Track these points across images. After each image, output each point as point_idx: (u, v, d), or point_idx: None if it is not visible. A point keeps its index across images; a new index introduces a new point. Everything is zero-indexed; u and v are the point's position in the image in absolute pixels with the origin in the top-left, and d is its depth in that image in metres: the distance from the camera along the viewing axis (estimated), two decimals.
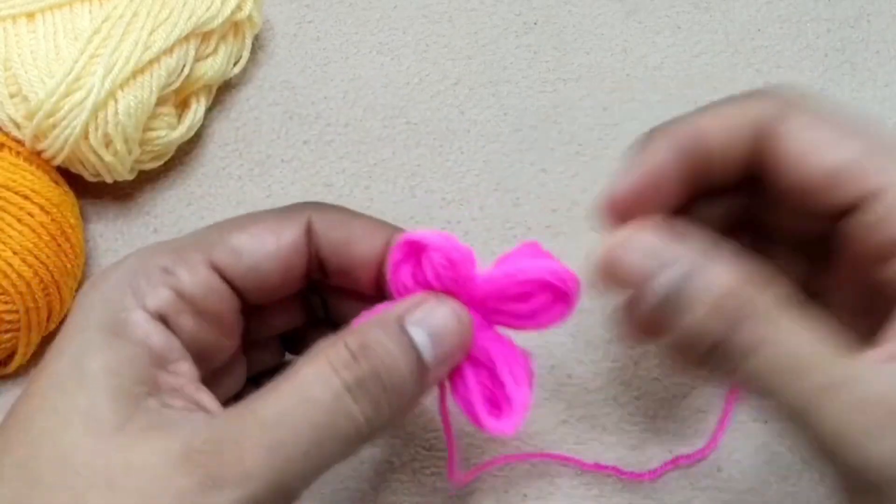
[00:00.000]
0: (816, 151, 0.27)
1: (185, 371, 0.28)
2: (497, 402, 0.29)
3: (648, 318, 0.27)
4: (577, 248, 0.40)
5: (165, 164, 0.42)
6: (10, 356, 0.38)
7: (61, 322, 0.38)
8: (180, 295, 0.28)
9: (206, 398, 0.27)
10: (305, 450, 0.25)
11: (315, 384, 0.25)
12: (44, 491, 0.24)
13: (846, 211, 0.27)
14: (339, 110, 0.44)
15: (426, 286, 0.29)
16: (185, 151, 0.43)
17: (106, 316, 0.27)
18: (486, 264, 0.30)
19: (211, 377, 0.29)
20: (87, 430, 0.25)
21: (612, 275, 0.27)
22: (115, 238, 0.42)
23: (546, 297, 0.29)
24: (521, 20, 0.46)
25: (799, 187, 0.27)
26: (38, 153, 0.39)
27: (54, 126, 0.38)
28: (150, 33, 0.39)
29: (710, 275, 0.26)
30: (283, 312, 0.32)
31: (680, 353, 0.27)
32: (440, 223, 0.41)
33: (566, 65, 0.45)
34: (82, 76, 0.37)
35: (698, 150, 0.28)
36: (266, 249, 0.29)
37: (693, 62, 0.45)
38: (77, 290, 0.39)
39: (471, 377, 0.29)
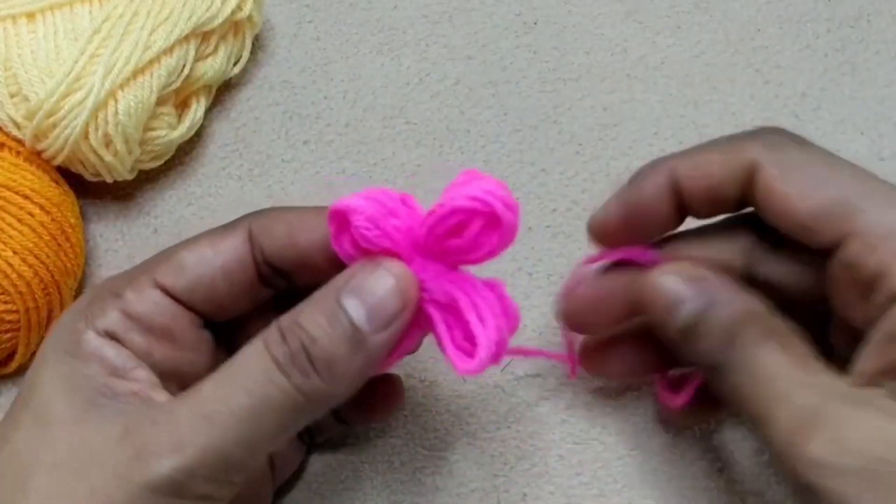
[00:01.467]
0: (798, 196, 0.29)
1: (142, 377, 0.29)
2: (474, 341, 0.28)
3: (668, 341, 0.30)
4: (577, 248, 0.40)
5: (165, 164, 0.42)
6: (11, 356, 0.38)
7: None
8: (127, 315, 0.30)
9: (163, 398, 0.29)
10: (240, 417, 0.26)
11: (249, 361, 0.27)
12: None
13: (830, 254, 0.29)
14: (339, 110, 0.44)
15: (366, 250, 0.28)
16: (185, 151, 0.43)
17: (61, 340, 0.29)
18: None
19: None
20: (38, 427, 0.27)
21: (640, 300, 0.31)
22: (116, 238, 0.42)
23: (478, 224, 0.28)
24: (521, 20, 0.46)
25: (787, 231, 0.29)
26: (39, 153, 0.39)
27: (54, 126, 0.38)
28: (150, 33, 0.39)
29: (722, 308, 0.29)
30: (260, 326, 0.32)
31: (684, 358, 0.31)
32: None
33: (566, 65, 0.45)
34: (82, 76, 0.37)
35: (691, 186, 0.31)
36: (205, 261, 0.30)
37: (693, 62, 0.45)
38: (77, 290, 0.39)
39: (439, 323, 0.29)
